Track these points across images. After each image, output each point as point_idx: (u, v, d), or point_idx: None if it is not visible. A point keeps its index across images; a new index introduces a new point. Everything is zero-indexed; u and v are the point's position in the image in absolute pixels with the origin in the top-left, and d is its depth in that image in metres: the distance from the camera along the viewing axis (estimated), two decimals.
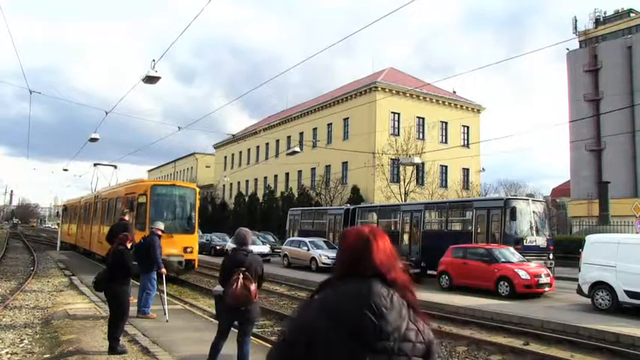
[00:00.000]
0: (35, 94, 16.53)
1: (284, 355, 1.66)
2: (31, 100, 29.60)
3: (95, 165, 27.72)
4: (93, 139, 21.66)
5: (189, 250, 16.38)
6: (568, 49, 57.63)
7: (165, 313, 9.25)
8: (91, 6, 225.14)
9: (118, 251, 7.38)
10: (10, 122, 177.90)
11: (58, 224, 61.11)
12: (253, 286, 5.41)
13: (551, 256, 18.35)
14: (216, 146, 67.17)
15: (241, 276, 5.38)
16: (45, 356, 7.18)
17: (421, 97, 42.36)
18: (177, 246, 15.79)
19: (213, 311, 9.70)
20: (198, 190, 18.36)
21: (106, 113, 17.59)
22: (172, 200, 17.20)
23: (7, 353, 7.28)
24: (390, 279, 1.68)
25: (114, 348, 6.95)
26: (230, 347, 5.81)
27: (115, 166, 27.58)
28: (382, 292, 1.62)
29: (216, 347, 5.76)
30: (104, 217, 20.73)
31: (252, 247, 23.69)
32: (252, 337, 7.94)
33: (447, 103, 44.46)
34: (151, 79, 12.63)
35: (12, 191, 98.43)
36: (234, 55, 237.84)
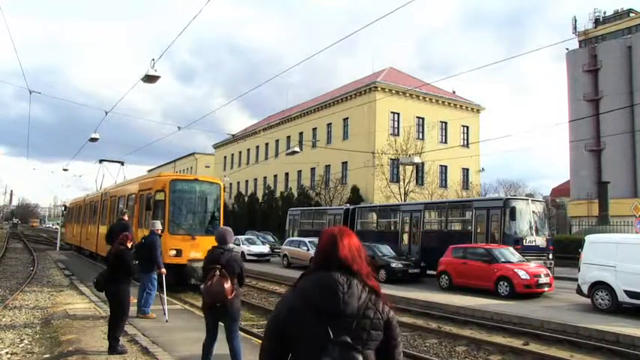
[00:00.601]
0: (35, 94, 16.50)
1: (270, 333, 2.13)
2: (30, 100, 29.60)
3: (101, 161, 25.88)
4: (93, 139, 21.64)
5: None
6: (567, 49, 57.69)
7: (164, 313, 9.25)
8: (91, 6, 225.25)
9: (118, 251, 7.39)
10: (9, 122, 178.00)
11: (57, 224, 61.03)
12: (227, 284, 5.50)
13: (550, 256, 18.36)
14: (216, 146, 67.17)
15: (217, 273, 5.53)
16: (45, 356, 7.18)
17: (421, 97, 42.37)
18: (201, 250, 13.41)
19: None
20: (222, 185, 16.38)
21: (106, 113, 17.58)
22: (194, 197, 15.13)
23: (6, 353, 7.28)
24: (354, 270, 2.08)
25: (114, 348, 6.95)
26: (226, 347, 5.82)
27: (122, 163, 25.84)
28: (340, 280, 2.03)
29: (206, 346, 5.82)
30: (112, 216, 18.74)
31: (253, 248, 23.14)
32: (252, 337, 7.97)
33: (446, 103, 44.46)
34: (150, 79, 12.63)
35: (12, 191, 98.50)
36: (234, 54, 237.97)
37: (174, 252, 13.58)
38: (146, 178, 17.41)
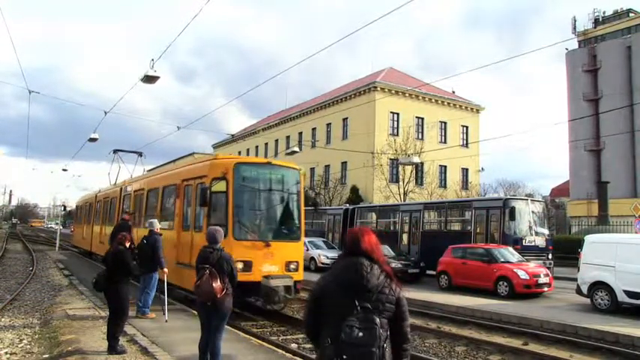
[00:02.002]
0: (34, 94, 16.50)
1: (310, 304, 2.96)
2: (30, 100, 29.53)
3: (115, 152, 22.79)
4: (92, 139, 21.60)
5: (292, 266, 10.80)
6: (567, 49, 57.72)
7: (164, 313, 9.24)
8: (91, 6, 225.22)
9: (117, 251, 7.38)
10: (9, 122, 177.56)
11: (57, 223, 60.83)
12: (217, 283, 5.57)
13: (550, 256, 18.37)
14: (216, 146, 67.16)
15: (207, 272, 5.62)
16: (44, 356, 7.18)
17: (420, 97, 42.39)
18: (278, 261, 10.49)
19: None
20: (303, 172, 12.41)
21: (105, 113, 17.53)
22: (268, 188, 11.24)
23: (6, 353, 7.27)
24: (375, 258, 2.83)
25: (113, 347, 6.95)
26: (226, 347, 5.83)
27: (140, 154, 22.91)
28: (365, 263, 2.78)
29: (201, 344, 5.83)
30: (141, 216, 15.07)
31: (329, 252, 20.60)
32: (252, 338, 7.97)
33: (446, 103, 44.48)
34: (149, 79, 12.61)
35: (11, 191, 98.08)
36: (234, 54, 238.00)
37: (241, 265, 9.62)
38: (196, 161, 13.28)
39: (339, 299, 2.74)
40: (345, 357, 2.64)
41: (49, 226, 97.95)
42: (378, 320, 2.67)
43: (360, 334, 2.65)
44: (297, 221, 11.55)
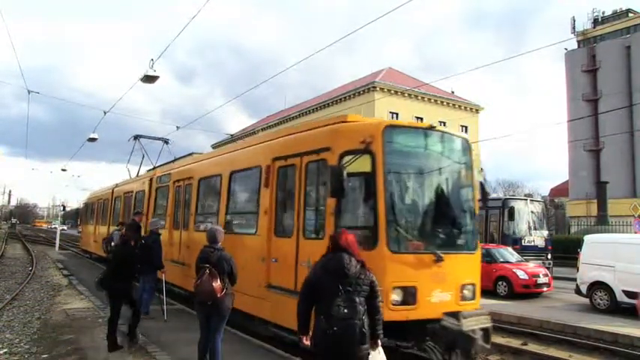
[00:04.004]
0: (34, 94, 16.51)
1: (305, 289, 3.96)
2: (29, 99, 29.49)
3: (136, 138, 19.25)
4: (91, 139, 21.59)
5: (468, 292, 6.82)
6: (566, 49, 57.73)
7: (163, 313, 9.25)
8: (91, 6, 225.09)
9: (124, 249, 7.46)
10: (9, 122, 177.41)
11: (55, 222, 60.43)
12: (216, 283, 5.57)
13: (549, 256, 18.40)
14: (215, 146, 67.09)
15: (207, 272, 5.62)
16: (43, 356, 7.18)
17: (419, 97, 42.42)
18: (452, 284, 6.57)
19: None
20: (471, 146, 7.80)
21: (105, 113, 17.53)
22: (435, 169, 7.19)
23: (5, 353, 7.28)
24: (351, 252, 3.93)
25: (135, 341, 7.30)
26: (226, 347, 5.83)
27: (167, 141, 19.74)
28: (345, 257, 3.86)
29: (201, 344, 5.84)
30: (190, 215, 11.21)
31: None
32: (251, 338, 7.96)
33: (445, 103, 44.50)
34: (149, 79, 12.59)
35: (10, 191, 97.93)
36: (234, 54, 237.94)
37: (398, 295, 6.13)
38: (300, 129, 8.31)
39: (328, 285, 3.77)
40: (335, 328, 3.64)
41: (55, 226, 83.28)
42: (357, 299, 3.73)
43: (345, 310, 3.66)
44: (471, 219, 7.39)
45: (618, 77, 51.93)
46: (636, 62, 51.08)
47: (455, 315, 6.23)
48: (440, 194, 7.17)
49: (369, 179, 6.50)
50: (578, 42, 58.19)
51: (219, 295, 5.58)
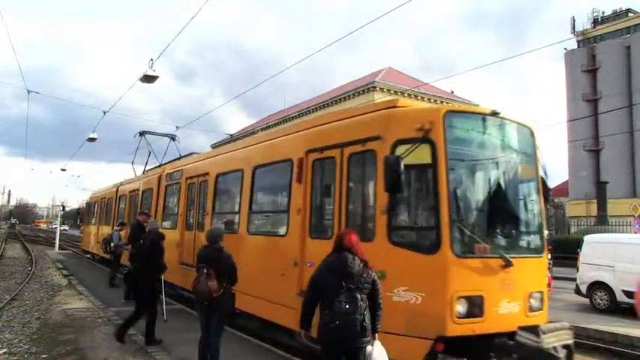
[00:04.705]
0: (33, 94, 16.53)
1: (310, 287, 4.26)
2: (29, 99, 29.47)
3: (142, 134, 18.47)
4: (91, 139, 21.60)
5: (535, 302, 6.02)
6: (566, 49, 57.75)
7: (163, 313, 9.23)
8: (91, 6, 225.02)
9: (153, 238, 7.74)
10: (8, 122, 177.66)
11: (54, 222, 60.18)
12: (213, 283, 5.57)
13: (549, 256, 18.33)
14: (214, 146, 67.04)
15: (205, 271, 5.63)
16: (43, 356, 7.17)
17: (419, 97, 42.36)
18: (520, 293, 5.79)
19: None
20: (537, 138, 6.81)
21: (104, 113, 17.53)
22: (502, 161, 6.30)
23: (5, 353, 7.27)
24: (355, 251, 4.17)
25: (153, 340, 7.40)
26: (226, 347, 5.82)
27: (174, 138, 18.81)
28: (349, 256, 4.12)
29: (201, 344, 5.84)
30: (206, 215, 10.31)
31: None
32: (251, 338, 7.95)
33: (445, 103, 44.43)
34: (148, 79, 12.59)
35: (9, 191, 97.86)
36: (234, 54, 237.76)
37: (464, 306, 5.32)
38: (340, 116, 7.32)
39: (332, 282, 4.03)
40: (337, 322, 3.94)
41: (55, 227, 79.32)
42: (359, 296, 3.99)
43: (347, 306, 3.94)
44: (538, 218, 6.58)
45: (618, 77, 51.96)
46: (636, 62, 51.11)
47: (533, 329, 5.34)
48: (506, 189, 6.38)
49: (428, 172, 5.70)
50: (578, 42, 58.23)
51: (215, 295, 5.57)
